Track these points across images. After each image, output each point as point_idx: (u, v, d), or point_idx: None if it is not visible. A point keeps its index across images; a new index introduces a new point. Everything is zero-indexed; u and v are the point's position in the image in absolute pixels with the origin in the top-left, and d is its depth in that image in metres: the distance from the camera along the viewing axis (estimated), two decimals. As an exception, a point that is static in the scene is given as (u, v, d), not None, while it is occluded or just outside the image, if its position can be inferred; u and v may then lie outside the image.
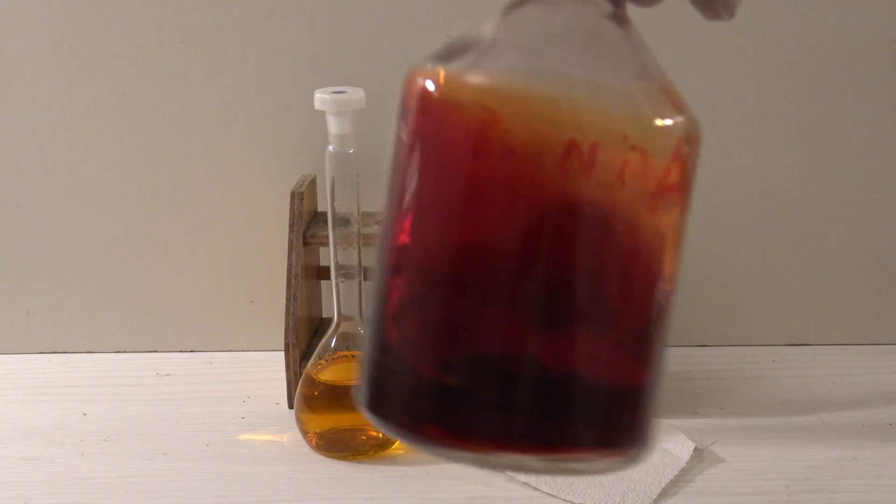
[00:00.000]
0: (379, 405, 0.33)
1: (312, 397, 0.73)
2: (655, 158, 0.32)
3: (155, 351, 0.91)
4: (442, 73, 0.32)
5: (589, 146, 0.30)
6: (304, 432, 0.74)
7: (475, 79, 0.32)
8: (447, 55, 0.33)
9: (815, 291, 0.90)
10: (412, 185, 0.33)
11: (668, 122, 0.32)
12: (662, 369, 0.34)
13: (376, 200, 0.80)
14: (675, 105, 0.33)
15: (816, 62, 0.84)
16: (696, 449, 0.72)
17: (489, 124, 0.30)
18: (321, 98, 0.69)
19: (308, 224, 0.82)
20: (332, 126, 0.70)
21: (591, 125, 0.31)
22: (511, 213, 0.31)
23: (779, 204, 0.88)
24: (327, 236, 0.75)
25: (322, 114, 0.70)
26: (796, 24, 0.84)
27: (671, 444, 0.73)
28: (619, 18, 0.33)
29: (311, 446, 0.73)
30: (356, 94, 0.70)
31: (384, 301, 0.33)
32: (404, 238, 0.33)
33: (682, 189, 0.33)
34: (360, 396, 0.34)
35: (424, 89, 0.32)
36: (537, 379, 0.31)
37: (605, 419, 0.32)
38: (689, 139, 0.33)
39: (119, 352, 0.91)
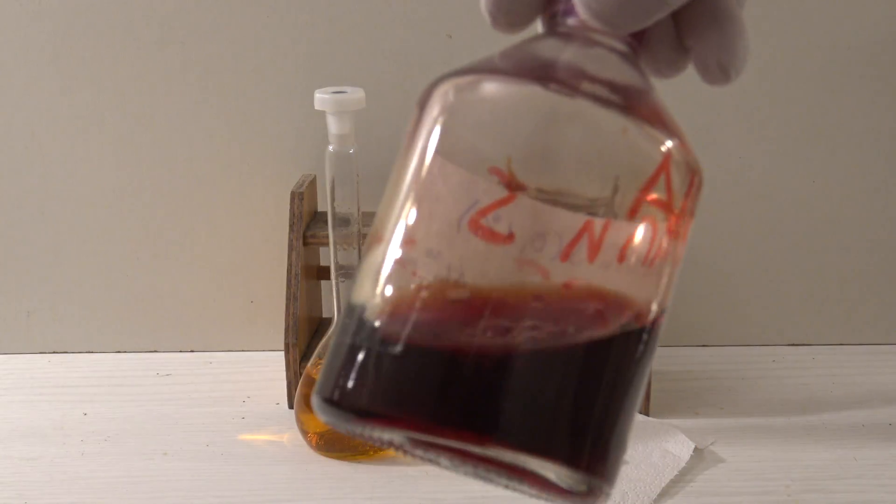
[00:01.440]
0: (331, 391, 0.33)
1: (312, 397, 0.73)
2: (659, 221, 0.31)
3: (155, 351, 0.91)
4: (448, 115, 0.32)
5: (601, 227, 0.30)
6: (304, 432, 0.74)
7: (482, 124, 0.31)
8: (461, 73, 0.33)
9: (815, 291, 0.90)
10: (408, 206, 0.32)
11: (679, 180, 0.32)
12: (635, 402, 0.34)
13: (376, 200, 0.80)
14: (688, 160, 0.32)
15: (816, 62, 0.84)
16: (695, 449, 0.72)
17: (501, 202, 0.30)
18: (321, 98, 0.69)
19: (308, 224, 0.82)
20: (332, 126, 0.70)
21: (603, 189, 0.31)
22: (500, 282, 0.31)
23: (779, 204, 0.88)
24: (327, 236, 0.75)
25: (322, 114, 0.70)
26: (796, 23, 0.84)
27: (671, 444, 0.73)
28: (633, 62, 0.33)
29: (311, 446, 0.73)
30: (356, 94, 0.70)
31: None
32: (399, 243, 0.33)
33: (679, 237, 0.33)
34: (316, 386, 0.34)
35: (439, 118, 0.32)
36: (495, 375, 0.31)
37: (562, 427, 0.32)
38: (692, 184, 0.32)
39: (119, 352, 0.91)
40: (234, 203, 0.87)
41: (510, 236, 0.30)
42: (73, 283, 0.89)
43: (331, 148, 0.70)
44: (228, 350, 0.90)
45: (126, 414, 0.80)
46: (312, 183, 0.84)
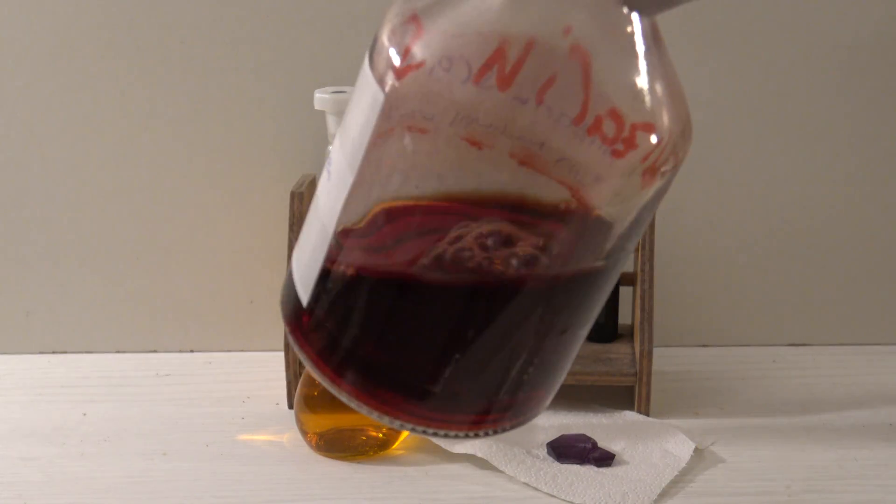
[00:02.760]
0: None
1: (312, 397, 0.73)
2: (595, 89, 0.29)
3: (154, 351, 0.91)
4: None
5: (521, 47, 0.28)
6: (304, 432, 0.73)
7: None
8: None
9: (815, 291, 0.90)
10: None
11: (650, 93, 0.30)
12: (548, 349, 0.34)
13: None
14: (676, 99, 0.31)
15: (816, 62, 0.84)
16: (696, 449, 0.72)
17: (415, 35, 0.30)
18: (321, 98, 0.69)
19: (308, 224, 0.82)
20: (332, 126, 0.70)
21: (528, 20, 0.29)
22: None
23: (779, 204, 0.88)
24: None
25: (322, 114, 0.70)
26: (797, 23, 0.84)
27: (671, 444, 0.73)
28: (643, 30, 0.31)
29: (311, 446, 0.73)
30: (356, 94, 0.70)
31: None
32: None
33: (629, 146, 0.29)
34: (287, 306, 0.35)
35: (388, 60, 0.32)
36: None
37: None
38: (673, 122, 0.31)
39: (118, 352, 0.90)
40: (234, 203, 0.87)
41: (421, 63, 0.30)
42: (73, 283, 0.89)
43: (331, 148, 0.70)
44: (228, 350, 0.90)
45: (126, 414, 0.79)
46: (312, 183, 0.84)
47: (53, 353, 0.91)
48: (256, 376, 0.85)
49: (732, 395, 0.82)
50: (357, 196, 0.32)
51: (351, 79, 0.82)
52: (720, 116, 0.85)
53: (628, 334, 0.84)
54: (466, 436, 0.33)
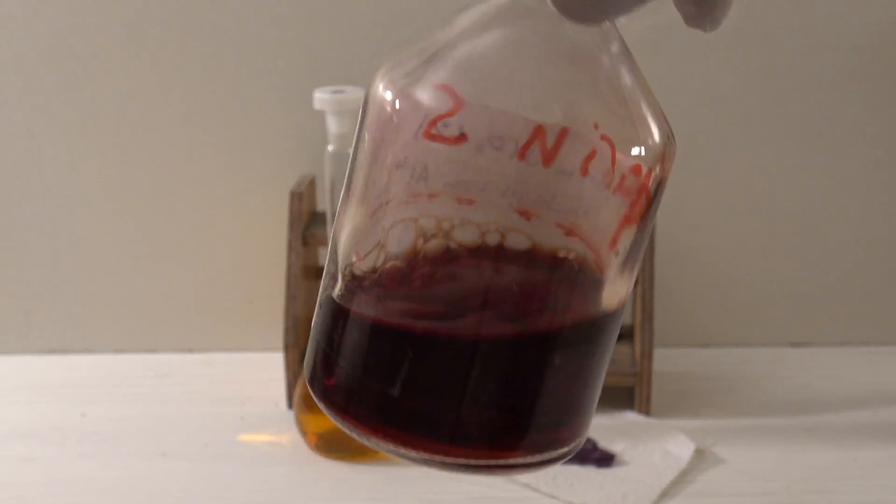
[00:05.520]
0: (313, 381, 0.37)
1: (312, 398, 0.73)
2: (623, 154, 0.31)
3: (154, 351, 0.90)
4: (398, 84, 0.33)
5: (557, 132, 0.31)
6: (304, 433, 0.73)
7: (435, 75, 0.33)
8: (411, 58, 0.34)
9: (815, 291, 0.90)
10: (371, 186, 0.34)
11: (647, 125, 0.32)
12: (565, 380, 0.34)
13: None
14: (654, 115, 0.32)
15: (816, 62, 0.84)
16: (696, 449, 0.72)
17: (447, 113, 0.31)
18: (321, 98, 0.69)
19: (307, 224, 0.82)
20: (332, 126, 0.70)
21: (558, 109, 0.31)
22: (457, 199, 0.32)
23: (779, 204, 0.88)
24: (327, 236, 0.74)
25: (322, 114, 0.70)
26: (796, 23, 0.84)
27: (672, 444, 0.73)
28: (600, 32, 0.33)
29: (311, 447, 0.73)
30: (356, 94, 0.70)
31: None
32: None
33: (643, 195, 0.32)
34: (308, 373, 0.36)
35: (383, 98, 0.33)
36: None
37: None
38: (662, 152, 0.32)
39: (118, 352, 0.90)
40: (233, 203, 0.87)
41: (462, 137, 0.31)
42: (72, 283, 0.89)
43: (330, 148, 0.70)
44: (227, 350, 0.90)
45: (125, 414, 0.79)
46: (311, 183, 0.84)
47: (52, 353, 0.90)
48: (256, 377, 0.85)
49: (733, 396, 0.82)
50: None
51: (351, 79, 0.82)
52: (721, 117, 0.85)
53: (628, 334, 0.83)
54: (477, 468, 0.34)
